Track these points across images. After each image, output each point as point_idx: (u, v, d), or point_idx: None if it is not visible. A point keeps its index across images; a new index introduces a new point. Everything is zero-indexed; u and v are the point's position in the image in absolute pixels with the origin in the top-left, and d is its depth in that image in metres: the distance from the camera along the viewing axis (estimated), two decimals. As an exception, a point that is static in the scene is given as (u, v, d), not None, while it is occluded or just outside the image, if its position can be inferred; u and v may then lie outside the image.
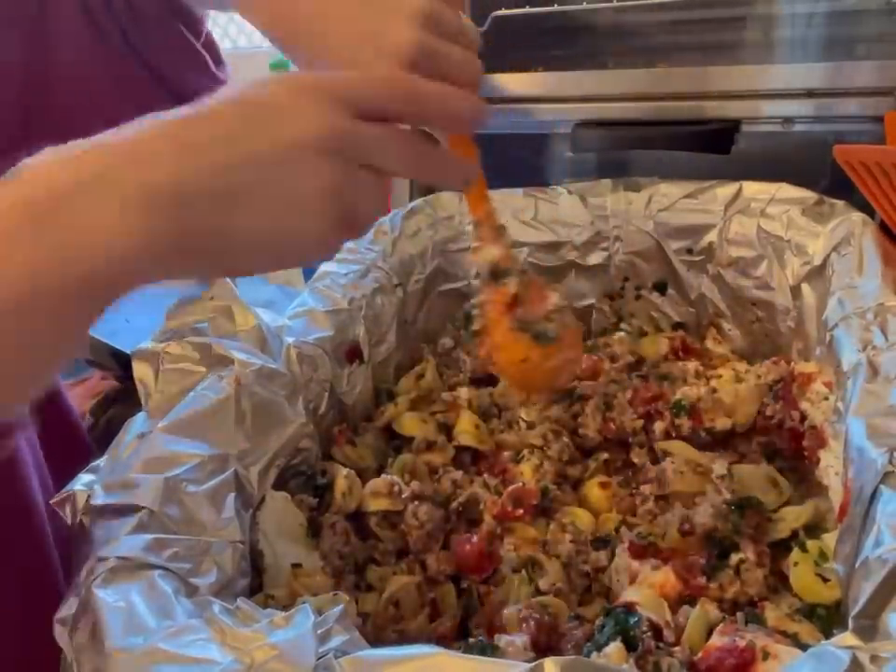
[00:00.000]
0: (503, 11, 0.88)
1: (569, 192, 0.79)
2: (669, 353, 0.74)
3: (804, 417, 0.58)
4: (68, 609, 0.38)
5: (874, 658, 0.30)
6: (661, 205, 0.76)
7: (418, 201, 0.80)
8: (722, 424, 0.63)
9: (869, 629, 0.32)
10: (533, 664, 0.31)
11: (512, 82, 0.89)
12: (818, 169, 0.73)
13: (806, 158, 0.77)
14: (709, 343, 0.77)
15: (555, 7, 0.86)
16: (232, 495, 0.50)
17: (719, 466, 0.55)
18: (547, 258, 0.79)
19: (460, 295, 0.81)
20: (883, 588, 0.33)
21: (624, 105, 0.84)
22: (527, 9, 0.87)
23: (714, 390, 0.64)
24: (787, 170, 0.76)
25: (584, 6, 0.86)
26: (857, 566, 0.38)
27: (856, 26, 0.81)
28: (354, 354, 0.68)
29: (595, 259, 0.79)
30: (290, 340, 0.61)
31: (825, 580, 0.46)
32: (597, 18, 0.90)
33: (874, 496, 0.39)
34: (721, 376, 0.67)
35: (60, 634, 0.38)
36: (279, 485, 0.56)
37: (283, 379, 0.58)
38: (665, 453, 0.61)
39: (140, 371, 0.53)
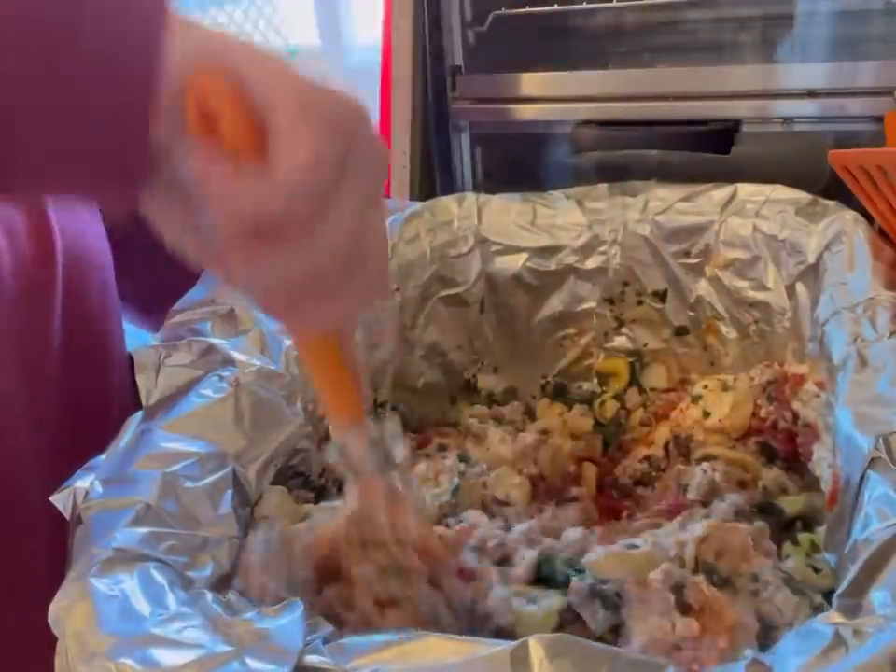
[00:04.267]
0: (503, 11, 0.89)
1: (566, 197, 0.80)
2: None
3: (796, 418, 0.59)
4: (64, 597, 0.39)
5: (857, 633, 0.30)
6: (657, 209, 0.77)
7: (417, 205, 0.80)
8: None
9: (853, 607, 0.32)
10: (517, 642, 0.31)
11: (512, 82, 0.89)
12: (818, 169, 0.73)
13: (807, 158, 0.78)
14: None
15: (555, 7, 0.87)
16: (230, 492, 0.50)
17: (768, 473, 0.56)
18: (545, 262, 0.80)
19: (460, 301, 0.82)
20: (867, 568, 0.34)
21: (624, 104, 0.84)
22: (527, 9, 0.88)
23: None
24: (787, 170, 0.76)
25: (584, 5, 0.86)
26: (846, 551, 0.38)
27: (856, 26, 0.81)
28: (352, 357, 0.68)
29: (593, 262, 0.80)
30: (289, 342, 0.62)
31: (816, 570, 0.46)
32: (597, 18, 0.90)
33: (861, 482, 0.39)
34: (705, 389, 0.68)
35: (55, 621, 0.38)
36: (277, 485, 0.57)
37: (282, 380, 0.59)
38: (708, 456, 0.61)
39: (141, 369, 0.54)
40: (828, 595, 0.44)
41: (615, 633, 0.41)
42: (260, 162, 0.28)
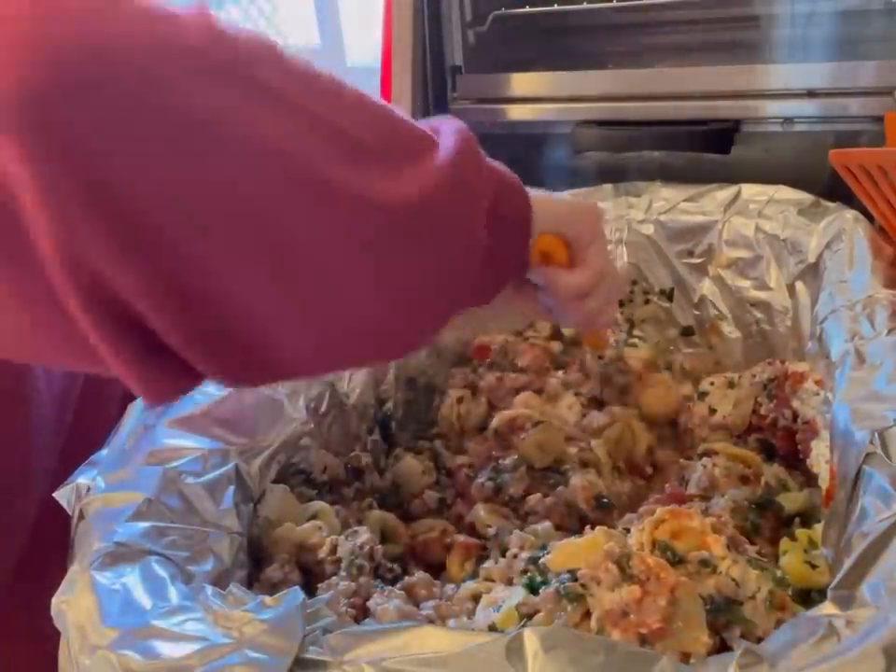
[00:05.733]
0: (503, 11, 0.89)
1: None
2: None
3: (795, 416, 0.59)
4: (67, 590, 0.39)
5: (849, 623, 0.30)
6: (661, 209, 0.77)
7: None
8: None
9: (847, 599, 0.32)
10: (512, 633, 0.31)
11: (512, 82, 0.90)
12: (818, 169, 0.73)
13: (806, 158, 0.78)
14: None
15: (555, 7, 0.87)
16: (232, 488, 0.51)
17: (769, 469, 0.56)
18: (550, 262, 0.80)
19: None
20: (861, 560, 0.34)
21: (624, 104, 0.84)
22: (527, 9, 0.88)
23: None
24: (787, 170, 0.76)
25: (584, 5, 0.86)
26: (842, 545, 0.38)
27: (856, 26, 0.81)
28: (355, 355, 0.69)
29: (599, 262, 0.80)
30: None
31: (814, 566, 0.46)
32: (597, 18, 0.90)
33: (857, 477, 0.39)
34: (712, 386, 0.68)
35: (58, 615, 0.39)
36: (279, 482, 0.57)
37: (284, 378, 0.59)
38: (710, 451, 0.61)
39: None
40: (825, 592, 0.44)
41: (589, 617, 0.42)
42: (574, 269, 0.51)
